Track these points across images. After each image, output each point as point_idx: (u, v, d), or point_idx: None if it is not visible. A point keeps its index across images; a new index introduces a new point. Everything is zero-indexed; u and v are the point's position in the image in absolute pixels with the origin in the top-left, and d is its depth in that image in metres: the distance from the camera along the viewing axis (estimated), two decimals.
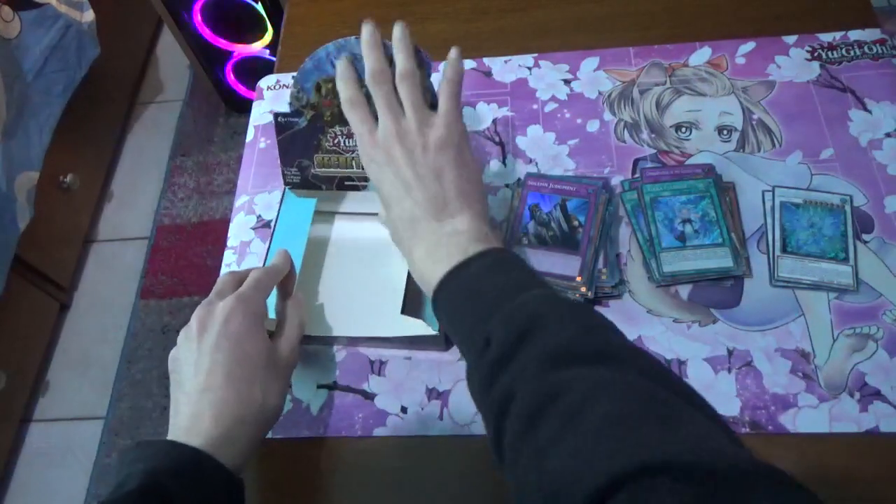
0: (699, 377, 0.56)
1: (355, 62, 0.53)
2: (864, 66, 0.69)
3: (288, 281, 0.57)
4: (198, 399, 0.46)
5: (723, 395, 0.55)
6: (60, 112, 1.43)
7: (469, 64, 0.76)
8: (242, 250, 0.68)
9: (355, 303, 0.58)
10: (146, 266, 1.64)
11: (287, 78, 0.79)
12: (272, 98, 0.78)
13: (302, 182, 0.62)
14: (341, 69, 0.52)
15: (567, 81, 0.73)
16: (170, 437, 0.45)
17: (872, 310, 0.56)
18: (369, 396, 0.59)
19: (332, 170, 0.60)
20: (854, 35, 0.71)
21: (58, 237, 1.56)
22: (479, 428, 0.56)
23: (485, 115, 0.72)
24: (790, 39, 0.72)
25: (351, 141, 0.58)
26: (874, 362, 0.54)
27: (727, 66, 0.71)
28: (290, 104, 0.58)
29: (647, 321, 0.58)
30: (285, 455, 0.58)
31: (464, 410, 0.57)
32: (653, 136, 0.68)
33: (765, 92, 0.69)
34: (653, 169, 0.65)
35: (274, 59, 1.08)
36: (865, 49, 0.70)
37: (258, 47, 1.57)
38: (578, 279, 0.58)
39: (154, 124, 1.87)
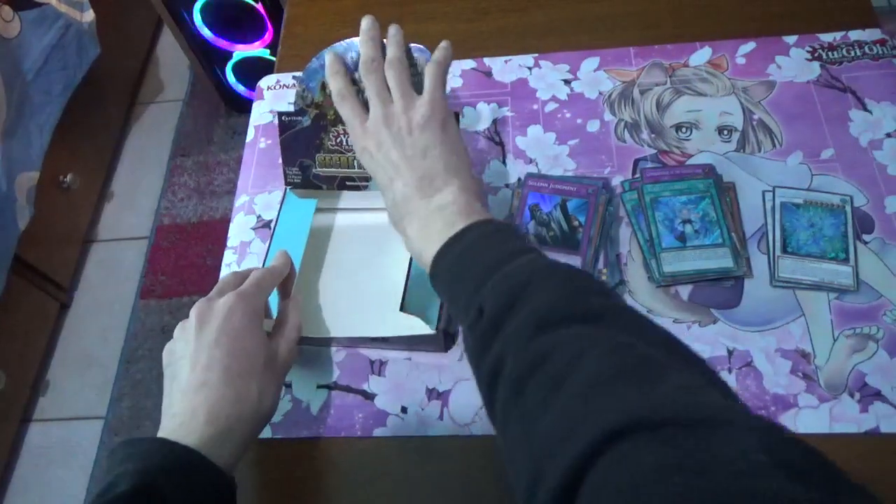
0: None
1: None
2: (865, 66, 0.69)
3: (287, 281, 0.57)
4: (193, 395, 0.45)
5: None
6: (60, 112, 1.43)
7: (469, 64, 0.76)
8: (242, 250, 0.68)
9: (354, 303, 0.58)
10: (146, 266, 1.64)
11: (287, 78, 0.79)
12: (272, 98, 0.78)
13: (303, 182, 0.62)
14: (329, 62, 0.53)
15: (567, 81, 0.73)
16: (161, 433, 0.44)
17: (873, 310, 0.56)
18: (369, 396, 0.59)
19: (333, 169, 0.60)
20: (854, 35, 0.71)
21: (58, 237, 1.56)
22: (479, 428, 0.56)
23: (485, 115, 0.72)
24: (790, 39, 0.72)
25: None
26: (874, 363, 0.54)
27: (727, 66, 0.71)
28: (295, 103, 0.58)
29: None
30: (285, 455, 0.58)
31: (464, 410, 0.57)
32: (653, 136, 0.68)
33: (765, 92, 0.69)
34: (653, 169, 0.65)
35: (274, 59, 1.08)
36: (866, 49, 0.70)
37: (258, 47, 1.57)
38: None
39: (154, 124, 1.87)
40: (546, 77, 0.74)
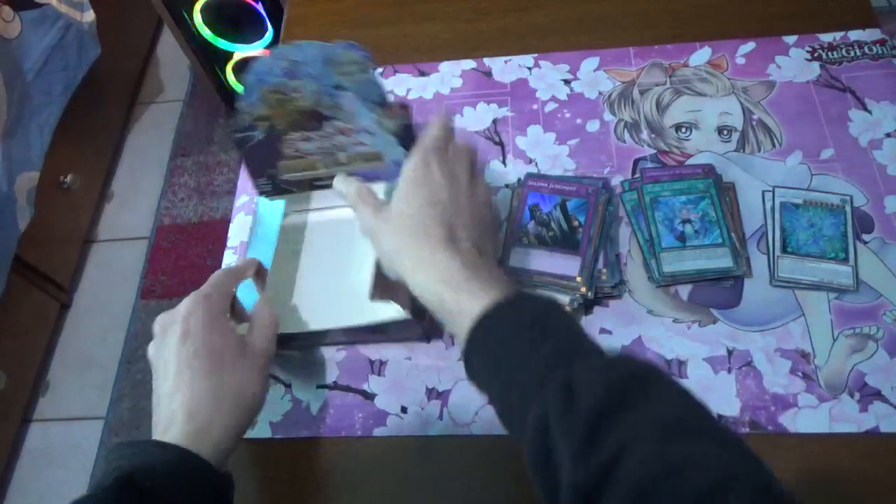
0: (699, 377, 0.56)
1: (296, 67, 0.54)
2: (864, 66, 0.69)
3: (259, 279, 0.59)
4: (169, 402, 0.47)
5: (723, 395, 0.55)
6: (60, 112, 1.43)
7: (469, 64, 0.76)
8: (242, 250, 0.68)
9: (328, 296, 0.58)
10: (146, 266, 1.64)
11: None
12: None
13: (274, 190, 0.63)
14: (338, 184, 0.56)
15: (567, 81, 0.73)
16: (153, 436, 0.46)
17: (872, 310, 0.56)
18: (369, 396, 0.59)
19: (298, 174, 0.61)
20: (854, 35, 0.71)
21: (58, 237, 1.56)
22: (478, 428, 0.56)
23: (485, 115, 0.72)
24: (790, 39, 0.72)
25: (309, 144, 0.59)
26: (874, 362, 0.54)
27: (727, 66, 0.71)
28: (244, 121, 0.59)
29: (647, 321, 0.58)
30: (285, 455, 0.58)
31: (463, 410, 0.57)
32: (653, 136, 0.68)
33: (765, 92, 0.69)
34: (653, 169, 0.65)
35: None
36: (865, 49, 0.70)
37: (258, 47, 1.57)
38: (578, 279, 0.58)
39: (154, 124, 1.87)
40: (546, 77, 0.74)
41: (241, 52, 1.59)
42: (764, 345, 0.56)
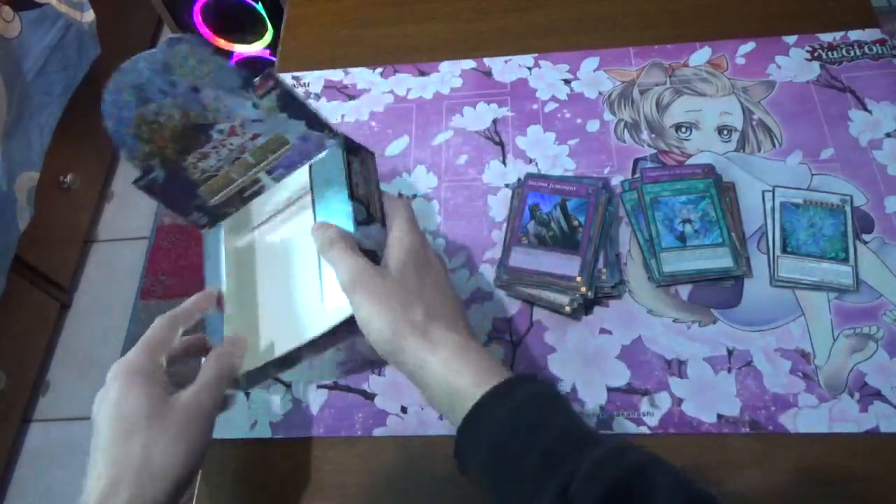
0: (699, 377, 0.56)
1: (142, 91, 0.50)
2: (864, 66, 0.69)
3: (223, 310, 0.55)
4: (90, 469, 0.46)
5: (723, 395, 0.55)
6: (60, 112, 1.43)
7: (469, 64, 0.76)
8: None
9: (288, 316, 0.52)
10: (146, 266, 1.64)
11: (287, 78, 0.79)
12: None
13: (212, 218, 0.59)
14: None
15: (567, 81, 0.73)
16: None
17: (872, 310, 0.56)
18: (369, 396, 0.59)
19: (222, 192, 0.56)
20: (854, 35, 0.71)
21: (58, 237, 1.56)
22: None
23: (485, 114, 0.72)
24: (790, 39, 0.72)
25: (209, 161, 0.53)
26: (874, 362, 0.54)
27: (727, 66, 0.71)
28: (135, 166, 0.53)
29: (647, 321, 0.58)
30: (285, 455, 0.58)
31: None
32: (653, 136, 0.68)
33: (765, 92, 0.69)
34: (653, 169, 0.65)
35: (274, 59, 1.08)
36: (865, 49, 0.70)
37: (258, 47, 1.57)
38: (578, 279, 0.58)
39: None
40: (546, 77, 0.74)
41: (241, 51, 1.59)
42: (764, 345, 0.56)
